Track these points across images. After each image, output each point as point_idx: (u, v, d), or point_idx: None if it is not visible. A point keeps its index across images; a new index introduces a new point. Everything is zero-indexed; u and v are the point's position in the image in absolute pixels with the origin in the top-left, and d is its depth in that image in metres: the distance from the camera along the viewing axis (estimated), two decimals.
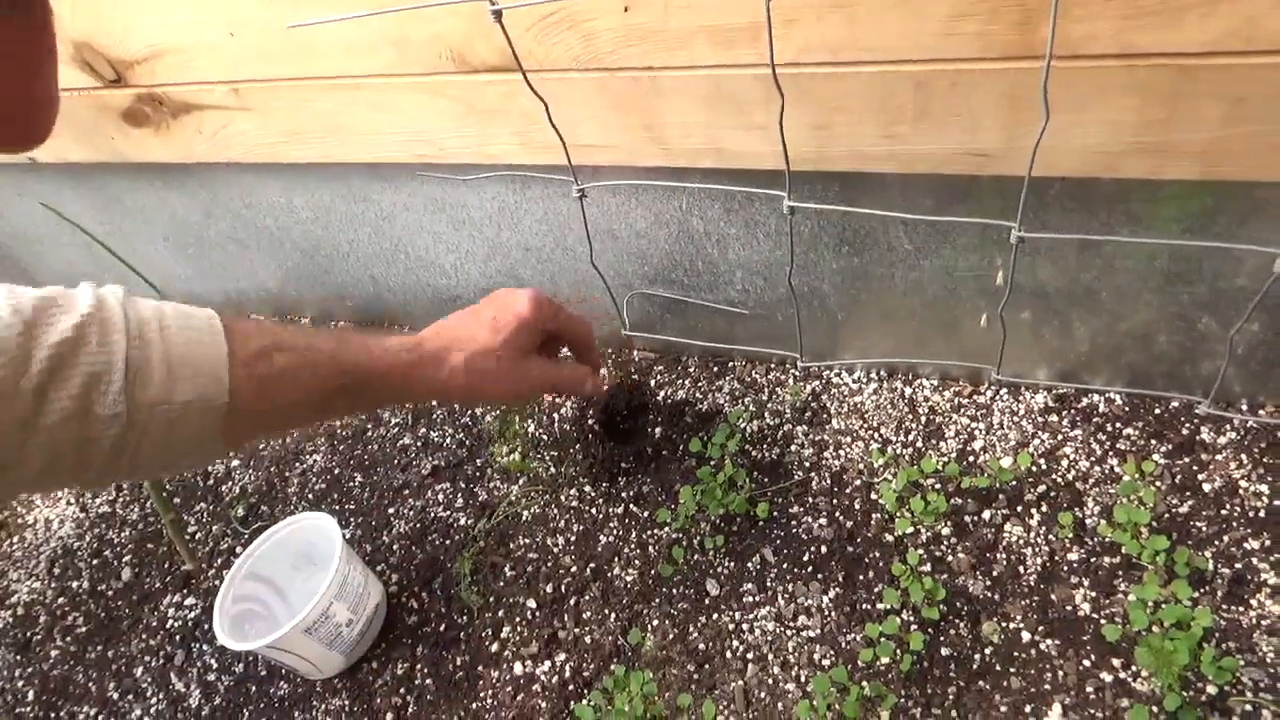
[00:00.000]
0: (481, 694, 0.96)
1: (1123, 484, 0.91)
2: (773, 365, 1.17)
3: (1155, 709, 0.78)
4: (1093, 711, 0.80)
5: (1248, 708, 0.76)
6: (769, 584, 0.96)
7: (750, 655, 0.92)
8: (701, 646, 0.94)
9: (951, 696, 0.84)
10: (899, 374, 1.11)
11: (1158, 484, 0.92)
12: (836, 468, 1.04)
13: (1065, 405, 1.02)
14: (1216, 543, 0.87)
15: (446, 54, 0.87)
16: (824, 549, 0.97)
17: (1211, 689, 0.78)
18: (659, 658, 0.94)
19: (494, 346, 0.77)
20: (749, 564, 0.98)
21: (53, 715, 1.08)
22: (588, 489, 1.11)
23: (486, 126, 0.94)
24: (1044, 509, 0.94)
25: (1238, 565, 0.85)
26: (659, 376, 1.20)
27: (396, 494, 1.18)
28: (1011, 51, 0.69)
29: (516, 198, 1.07)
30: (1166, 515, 0.90)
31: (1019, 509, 0.95)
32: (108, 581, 1.20)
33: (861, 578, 0.94)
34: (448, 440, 1.22)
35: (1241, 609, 0.82)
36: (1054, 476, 0.96)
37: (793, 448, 1.07)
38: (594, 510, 1.09)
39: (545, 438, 1.18)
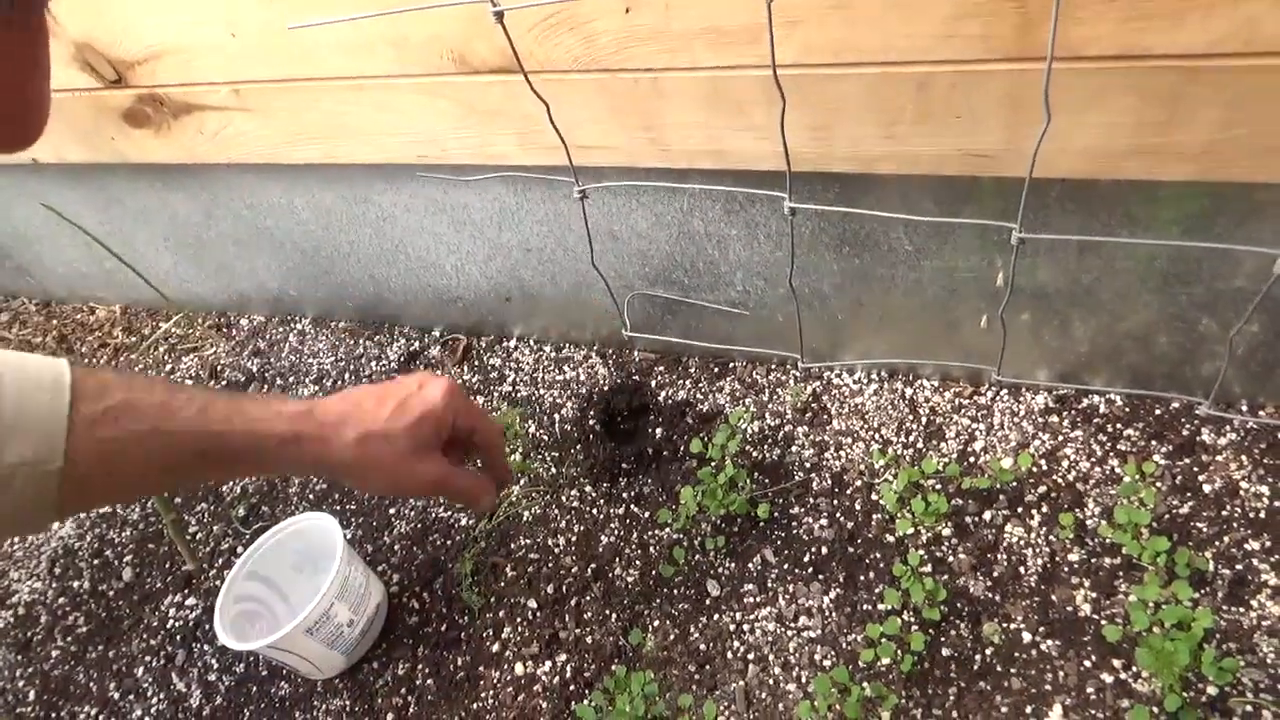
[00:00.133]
0: (482, 694, 0.96)
1: (1123, 485, 0.91)
2: (773, 366, 1.17)
3: (1156, 709, 0.78)
4: (1093, 712, 0.80)
5: (1248, 708, 0.76)
6: (770, 584, 0.96)
7: (751, 656, 0.92)
8: (702, 647, 0.94)
9: (952, 697, 0.84)
10: (900, 375, 1.11)
11: (1158, 485, 0.92)
12: (837, 468, 1.04)
13: (1066, 406, 1.02)
14: (1217, 543, 0.87)
15: (447, 55, 0.87)
16: (825, 550, 0.97)
17: (1212, 690, 0.78)
18: (660, 658, 0.94)
19: (393, 431, 0.70)
20: (750, 564, 0.98)
21: (53, 715, 1.08)
22: (588, 489, 1.11)
23: (487, 127, 0.94)
24: (1045, 510, 0.94)
25: (1238, 566, 0.85)
26: (660, 377, 1.21)
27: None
28: (1012, 53, 0.69)
29: (517, 199, 1.07)
30: (1167, 516, 0.90)
31: (1020, 510, 0.95)
32: (109, 581, 1.20)
33: (862, 578, 0.94)
34: None
35: (1242, 610, 0.82)
36: (1054, 477, 0.96)
37: (793, 448, 1.07)
38: (595, 511, 1.09)
39: (546, 438, 1.18)
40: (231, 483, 1.27)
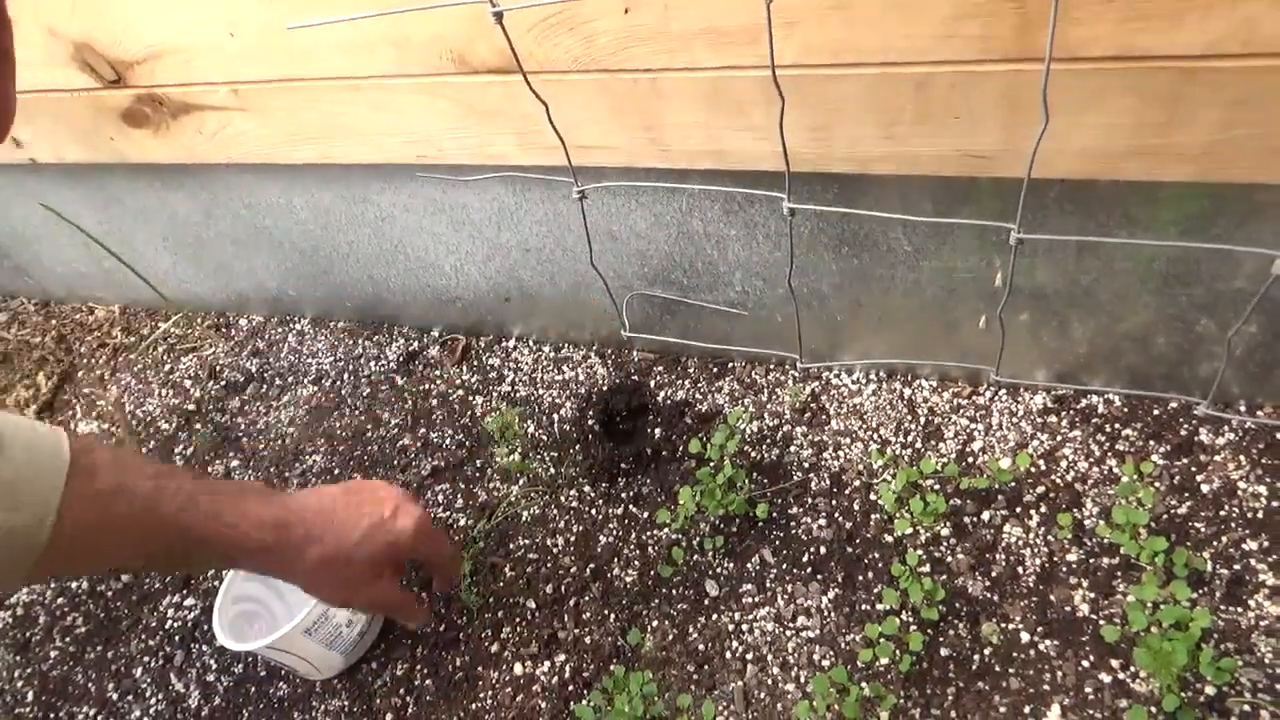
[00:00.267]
0: (481, 695, 0.96)
1: (1121, 485, 0.91)
2: (772, 366, 1.17)
3: (1154, 709, 0.78)
4: (1092, 712, 0.80)
5: (1246, 708, 0.76)
6: (768, 585, 0.96)
7: (750, 656, 0.92)
8: (701, 647, 0.94)
9: (951, 697, 0.84)
10: (898, 375, 1.11)
11: (1156, 485, 0.92)
12: (836, 469, 1.04)
13: (1064, 406, 1.02)
14: (1215, 543, 0.87)
15: (447, 55, 0.87)
16: (823, 550, 0.97)
17: (1210, 689, 0.78)
18: (659, 658, 0.94)
19: (357, 557, 0.74)
20: (748, 565, 0.99)
21: (52, 716, 1.08)
22: (587, 490, 1.11)
23: (487, 127, 0.94)
24: (1043, 510, 0.94)
25: (1236, 566, 0.85)
26: (659, 377, 1.21)
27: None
28: (1011, 54, 0.69)
29: (516, 199, 1.07)
30: (1165, 516, 0.90)
31: (1018, 510, 0.95)
32: (107, 582, 1.20)
33: (861, 578, 0.94)
34: (447, 441, 1.22)
35: (1240, 610, 0.82)
36: (1053, 477, 0.96)
37: (792, 449, 1.07)
38: (593, 511, 1.09)
39: (545, 438, 1.18)
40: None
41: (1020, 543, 0.92)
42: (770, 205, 0.95)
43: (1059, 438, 0.99)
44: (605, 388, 1.21)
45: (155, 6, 0.94)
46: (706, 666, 0.92)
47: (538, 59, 0.83)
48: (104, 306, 1.64)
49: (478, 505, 1.13)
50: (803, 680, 0.89)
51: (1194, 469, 0.93)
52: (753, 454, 1.08)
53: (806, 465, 1.05)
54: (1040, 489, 0.96)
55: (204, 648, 1.09)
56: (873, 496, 1.00)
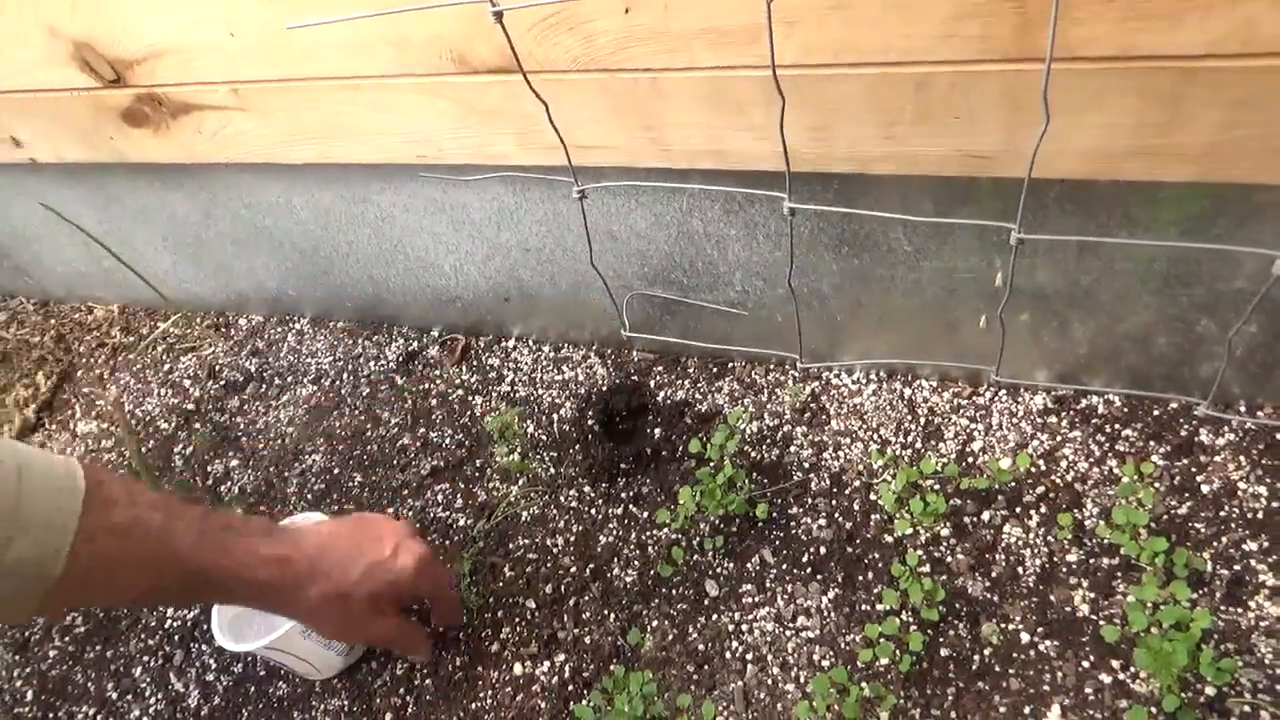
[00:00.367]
0: (481, 694, 0.96)
1: (1121, 485, 0.91)
2: (772, 366, 1.17)
3: (1154, 710, 0.78)
4: (1092, 713, 0.80)
5: (1246, 709, 0.76)
6: (768, 585, 0.96)
7: (750, 656, 0.92)
8: (701, 647, 0.94)
9: (951, 697, 0.84)
10: (898, 375, 1.11)
11: (1156, 485, 0.92)
12: (836, 469, 1.04)
13: (1064, 407, 1.02)
14: (1215, 544, 0.87)
15: (446, 55, 0.87)
16: (823, 550, 0.97)
17: (1210, 690, 0.78)
18: (658, 658, 0.94)
19: (358, 594, 0.76)
20: (748, 565, 0.98)
21: (51, 715, 1.08)
22: (587, 489, 1.11)
23: (486, 127, 0.94)
24: (1043, 510, 0.94)
25: (1236, 567, 0.85)
26: (658, 377, 1.21)
27: (396, 494, 1.18)
28: (1011, 53, 0.69)
29: (516, 199, 1.07)
30: (1165, 516, 0.90)
31: (1018, 510, 0.95)
32: None
33: (861, 578, 0.94)
34: (447, 440, 1.22)
35: (1240, 610, 0.82)
36: (1053, 478, 0.96)
37: (792, 449, 1.07)
38: (593, 511, 1.09)
39: (545, 438, 1.18)
40: (229, 481, 1.26)
41: (1020, 543, 0.92)
42: (770, 205, 0.95)
43: (1059, 438, 0.99)
44: (605, 388, 1.21)
45: (155, 6, 0.93)
46: (706, 666, 0.92)
47: (538, 59, 0.83)
48: (103, 306, 1.64)
49: (477, 505, 1.13)
50: (803, 680, 0.89)
51: (1194, 469, 0.93)
52: (753, 454, 1.08)
53: (806, 465, 1.05)
54: (1040, 489, 0.96)
55: (203, 647, 1.09)
56: (873, 496, 1.00)
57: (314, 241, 1.28)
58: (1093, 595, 0.87)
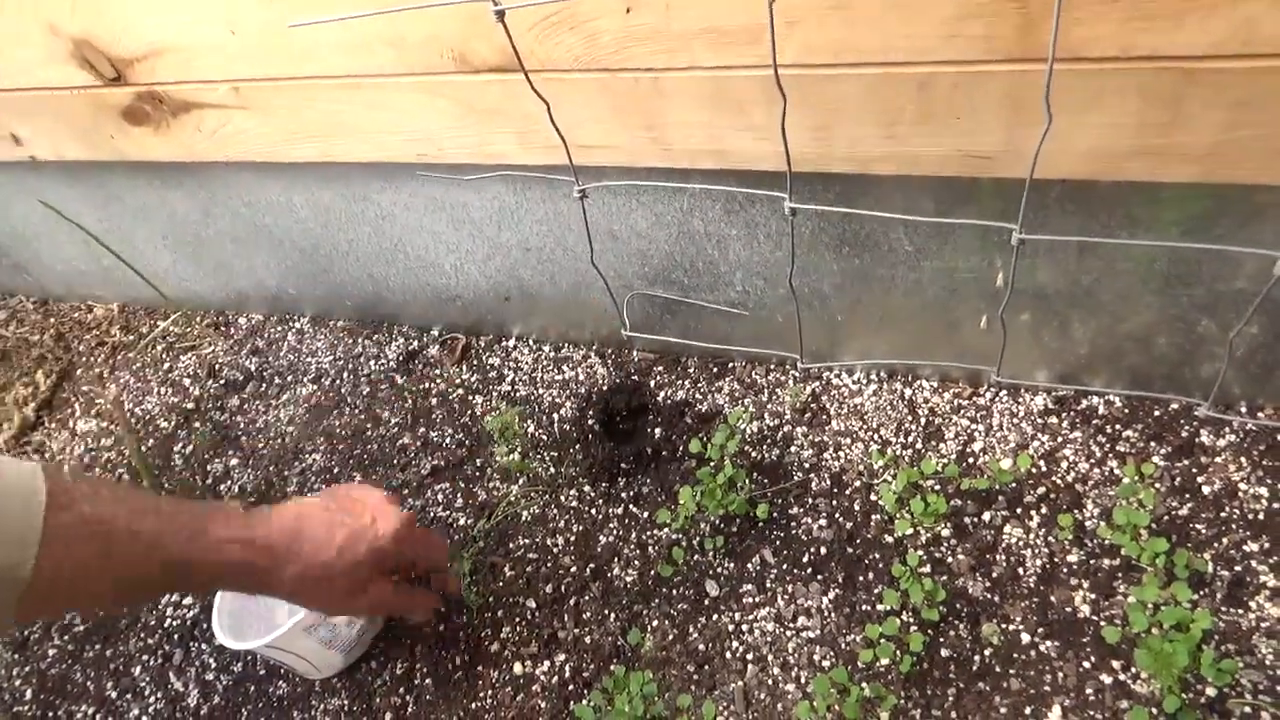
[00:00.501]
0: (481, 694, 0.96)
1: (1122, 486, 0.91)
2: (772, 366, 1.17)
3: (1155, 711, 0.78)
4: (1092, 713, 0.80)
5: (1247, 710, 0.76)
6: (769, 585, 0.96)
7: (750, 656, 0.92)
8: (701, 647, 0.94)
9: (951, 698, 0.84)
10: (899, 375, 1.11)
11: (1157, 486, 0.92)
12: (836, 469, 1.04)
13: (1065, 407, 1.02)
14: (1216, 545, 0.87)
15: (447, 54, 0.87)
16: (824, 550, 0.97)
17: (1211, 691, 0.78)
18: (659, 658, 0.94)
19: (334, 570, 0.74)
20: (749, 565, 0.98)
21: (50, 714, 1.08)
22: (587, 489, 1.11)
23: (487, 126, 0.93)
24: (1044, 511, 0.94)
25: (1237, 568, 0.85)
26: (659, 377, 1.20)
27: (396, 493, 1.17)
28: (1013, 54, 0.69)
29: (517, 198, 1.07)
30: (1166, 517, 0.90)
31: (1019, 511, 0.95)
32: None
33: (861, 579, 0.94)
34: (447, 440, 1.22)
35: (1241, 611, 0.82)
36: (1053, 478, 0.96)
37: (792, 449, 1.07)
38: (594, 511, 1.09)
39: (545, 438, 1.18)
40: (229, 480, 1.26)
41: (1021, 543, 0.92)
42: (771, 205, 0.95)
43: (1060, 439, 0.99)
44: (605, 387, 1.21)
45: (156, 4, 0.93)
46: (707, 666, 0.92)
47: (539, 58, 0.83)
48: (103, 304, 1.64)
49: (477, 505, 1.13)
50: (803, 680, 0.89)
51: (1195, 470, 0.93)
52: (753, 454, 1.08)
53: (807, 465, 1.05)
54: (1041, 490, 0.96)
55: (203, 646, 1.09)
56: (873, 497, 1.00)
57: (314, 240, 1.28)
58: (1093, 596, 0.87)
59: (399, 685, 0.99)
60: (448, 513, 1.13)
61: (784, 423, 1.10)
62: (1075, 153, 0.74)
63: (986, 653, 0.86)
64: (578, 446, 1.15)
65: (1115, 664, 0.82)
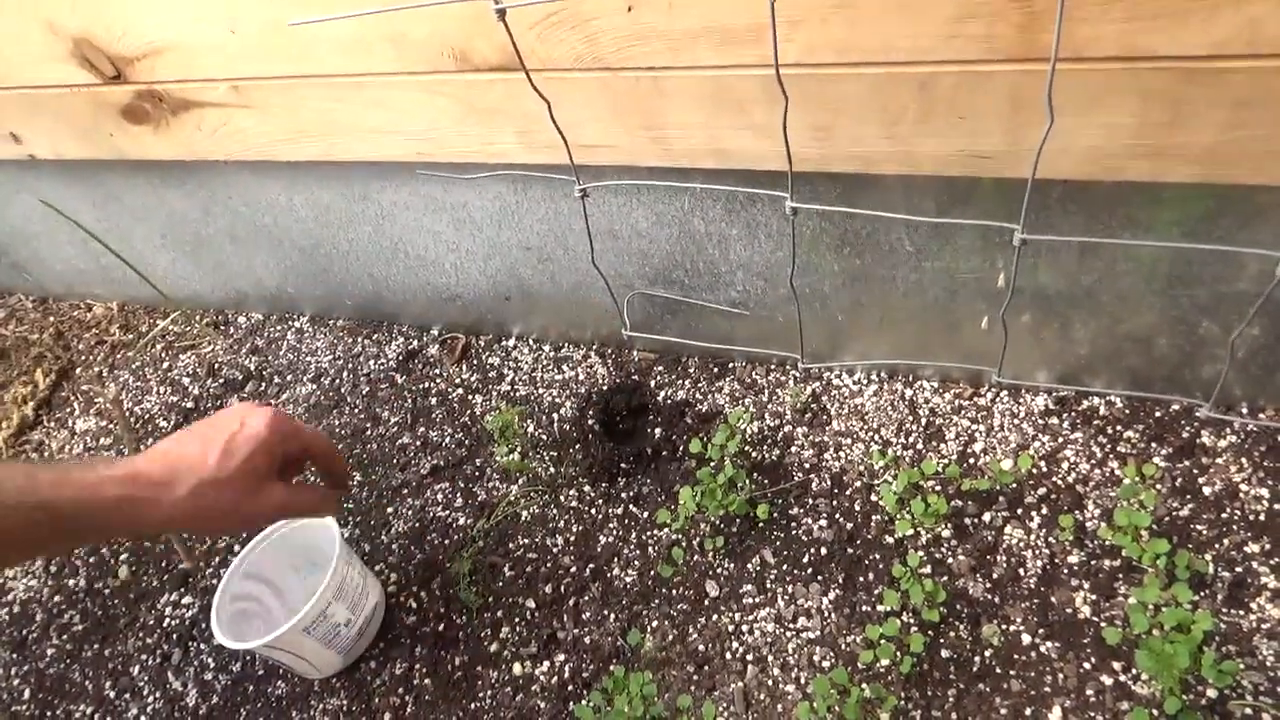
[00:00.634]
0: (480, 694, 0.96)
1: (1123, 487, 0.91)
2: (773, 366, 1.17)
3: (1155, 712, 0.78)
4: (1093, 714, 0.80)
5: (1248, 711, 0.76)
6: (769, 585, 0.96)
7: (750, 656, 0.91)
8: (701, 648, 0.93)
9: (951, 699, 0.84)
10: (899, 376, 1.11)
11: (1158, 487, 0.92)
12: (837, 469, 1.04)
13: (1066, 408, 1.02)
14: (1217, 546, 0.87)
15: (448, 53, 0.86)
16: (824, 550, 0.97)
17: (1212, 692, 0.78)
18: (658, 659, 0.93)
19: (225, 474, 0.71)
20: (749, 565, 0.98)
21: (49, 714, 1.08)
22: (587, 489, 1.11)
23: (488, 125, 0.93)
24: (1044, 511, 0.94)
25: (1238, 569, 0.85)
26: (659, 377, 1.20)
27: (395, 493, 1.17)
28: (1015, 54, 0.69)
29: (517, 197, 1.07)
30: (1167, 518, 0.90)
31: (1019, 511, 0.95)
32: (104, 579, 1.20)
33: (861, 579, 0.94)
34: (447, 440, 1.22)
35: (1242, 612, 0.82)
36: (1054, 479, 0.96)
37: (793, 449, 1.07)
38: (593, 511, 1.08)
39: (545, 438, 1.18)
40: None
41: (1021, 544, 0.92)
42: (772, 205, 0.94)
43: (1061, 439, 0.99)
44: (605, 387, 1.21)
45: (156, 3, 0.93)
46: (706, 667, 0.92)
47: (540, 57, 0.82)
48: (102, 303, 1.64)
49: (477, 504, 1.13)
50: (803, 681, 0.88)
51: (1196, 471, 0.93)
52: (753, 454, 1.08)
53: (807, 466, 1.05)
54: (1042, 490, 0.96)
55: (202, 646, 1.09)
56: (874, 497, 1.00)
57: (314, 239, 1.28)
58: (1094, 597, 0.87)
59: (398, 685, 0.99)
60: (447, 512, 1.13)
61: (784, 423, 1.10)
62: (1077, 153, 0.74)
63: (987, 654, 0.86)
64: (578, 446, 1.15)
65: (1116, 665, 0.82)
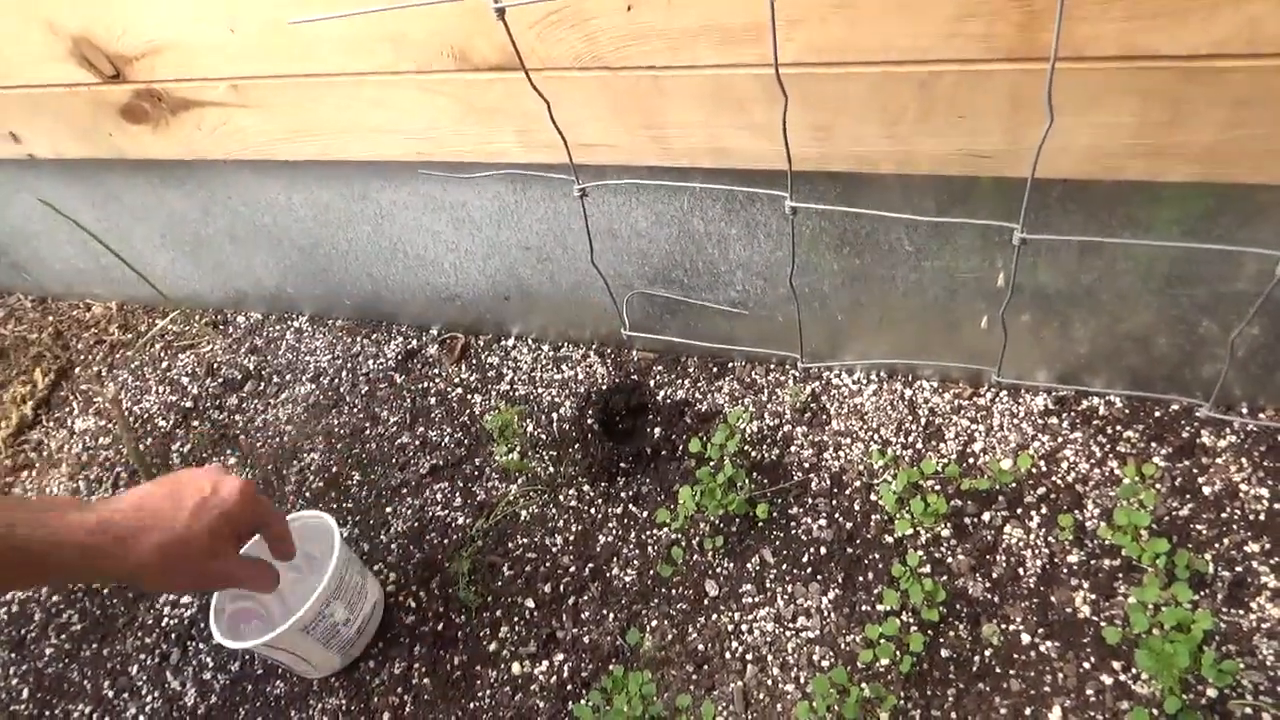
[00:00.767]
0: (479, 694, 0.96)
1: (1123, 486, 0.90)
2: (772, 366, 1.17)
3: (1155, 711, 0.78)
4: (1093, 714, 0.80)
5: (1248, 711, 0.76)
6: (768, 585, 0.96)
7: (749, 656, 0.91)
8: (700, 647, 0.93)
9: (951, 698, 0.84)
10: (899, 375, 1.11)
11: (1158, 487, 0.92)
12: (836, 469, 1.04)
13: (1065, 408, 1.02)
14: (1217, 545, 0.87)
15: (447, 52, 0.86)
16: (823, 550, 0.97)
17: (1212, 692, 0.78)
18: (658, 658, 0.93)
19: (192, 535, 0.74)
20: (748, 565, 0.98)
21: (47, 713, 1.08)
22: (586, 489, 1.10)
23: (487, 125, 0.93)
24: (1044, 511, 0.94)
25: (1238, 568, 0.85)
26: (658, 376, 1.20)
27: (395, 493, 1.17)
28: (1015, 53, 0.68)
29: (517, 197, 1.07)
30: (1167, 518, 0.90)
31: (1019, 511, 0.95)
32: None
33: (861, 579, 0.94)
34: (446, 439, 1.21)
35: (1242, 612, 0.82)
36: (1054, 479, 0.96)
37: (792, 449, 1.07)
38: (593, 510, 1.08)
39: (544, 437, 1.18)
40: None
41: (1021, 544, 0.92)
42: (772, 204, 0.94)
43: (1060, 439, 0.99)
44: (605, 387, 1.21)
45: (155, 2, 0.93)
46: (706, 666, 0.92)
47: (539, 56, 0.82)
48: (101, 303, 1.64)
49: (476, 504, 1.13)
50: (802, 681, 0.88)
51: (1196, 471, 0.93)
52: (753, 454, 1.08)
53: (807, 465, 1.05)
54: (1041, 490, 0.95)
55: (200, 645, 1.09)
56: (873, 497, 1.00)
57: (313, 239, 1.28)
58: (1094, 596, 0.86)
59: (397, 685, 0.99)
60: (446, 512, 1.13)
61: (784, 422, 1.10)
62: (1077, 152, 0.74)
63: (986, 653, 0.86)
64: (577, 446, 1.15)
65: (1116, 665, 0.82)
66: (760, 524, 1.00)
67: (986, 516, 0.95)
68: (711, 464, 1.04)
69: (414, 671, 0.99)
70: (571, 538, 1.06)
